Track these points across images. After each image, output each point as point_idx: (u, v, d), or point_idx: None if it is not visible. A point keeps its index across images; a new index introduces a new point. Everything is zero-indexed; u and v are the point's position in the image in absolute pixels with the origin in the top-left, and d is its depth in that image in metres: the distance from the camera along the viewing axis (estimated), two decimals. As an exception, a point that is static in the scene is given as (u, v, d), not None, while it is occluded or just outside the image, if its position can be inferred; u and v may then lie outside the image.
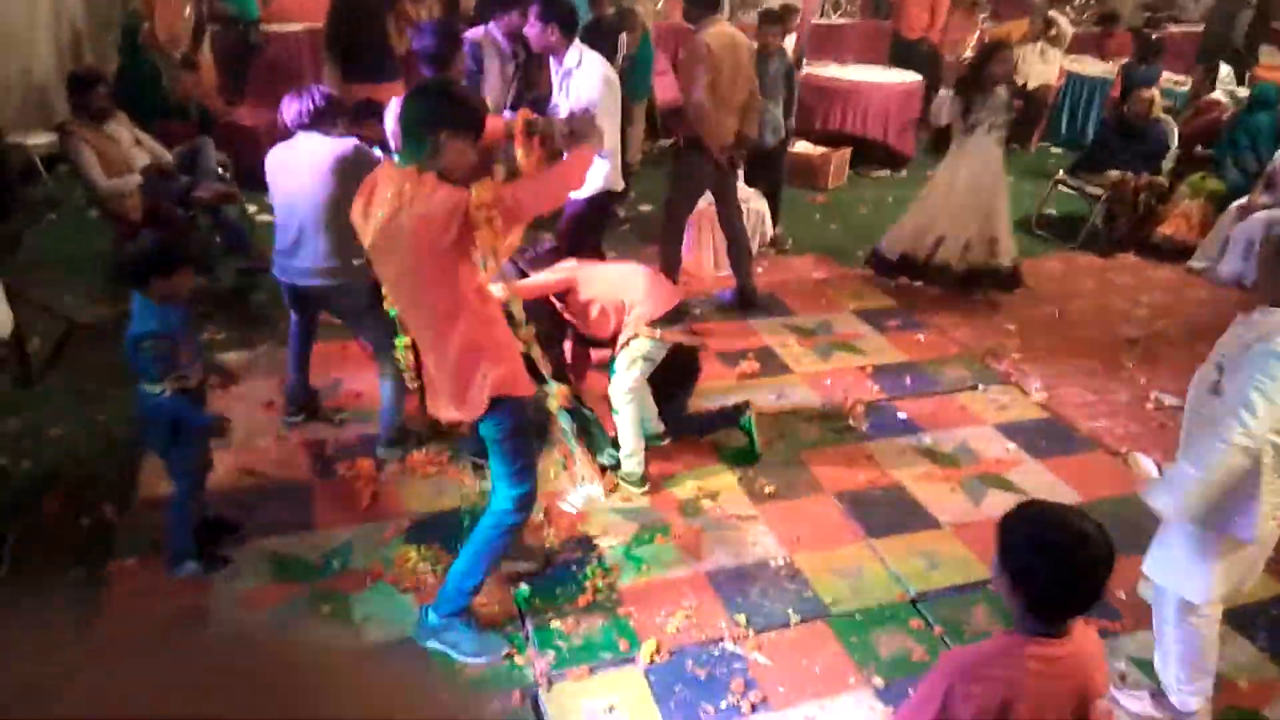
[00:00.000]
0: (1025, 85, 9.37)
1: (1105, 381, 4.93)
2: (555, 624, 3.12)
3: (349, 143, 3.67)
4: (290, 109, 3.67)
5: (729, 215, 5.47)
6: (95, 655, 0.43)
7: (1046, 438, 4.37)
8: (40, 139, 6.42)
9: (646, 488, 3.79)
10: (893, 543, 3.58)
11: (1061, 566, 1.72)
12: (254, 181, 6.63)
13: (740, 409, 4.08)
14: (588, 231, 4.62)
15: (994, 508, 3.79)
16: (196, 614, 3.10)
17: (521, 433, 2.85)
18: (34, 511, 3.55)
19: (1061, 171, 7.38)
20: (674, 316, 3.70)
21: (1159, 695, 2.86)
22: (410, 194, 2.49)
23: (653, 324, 3.63)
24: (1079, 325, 5.60)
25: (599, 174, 4.18)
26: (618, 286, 3.71)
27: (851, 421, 4.39)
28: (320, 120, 3.68)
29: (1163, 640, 2.82)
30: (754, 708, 2.84)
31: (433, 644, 2.98)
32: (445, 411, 2.85)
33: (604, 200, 4.53)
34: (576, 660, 2.98)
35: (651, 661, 2.99)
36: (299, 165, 3.68)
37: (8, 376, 4.34)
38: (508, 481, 2.89)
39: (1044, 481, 4.03)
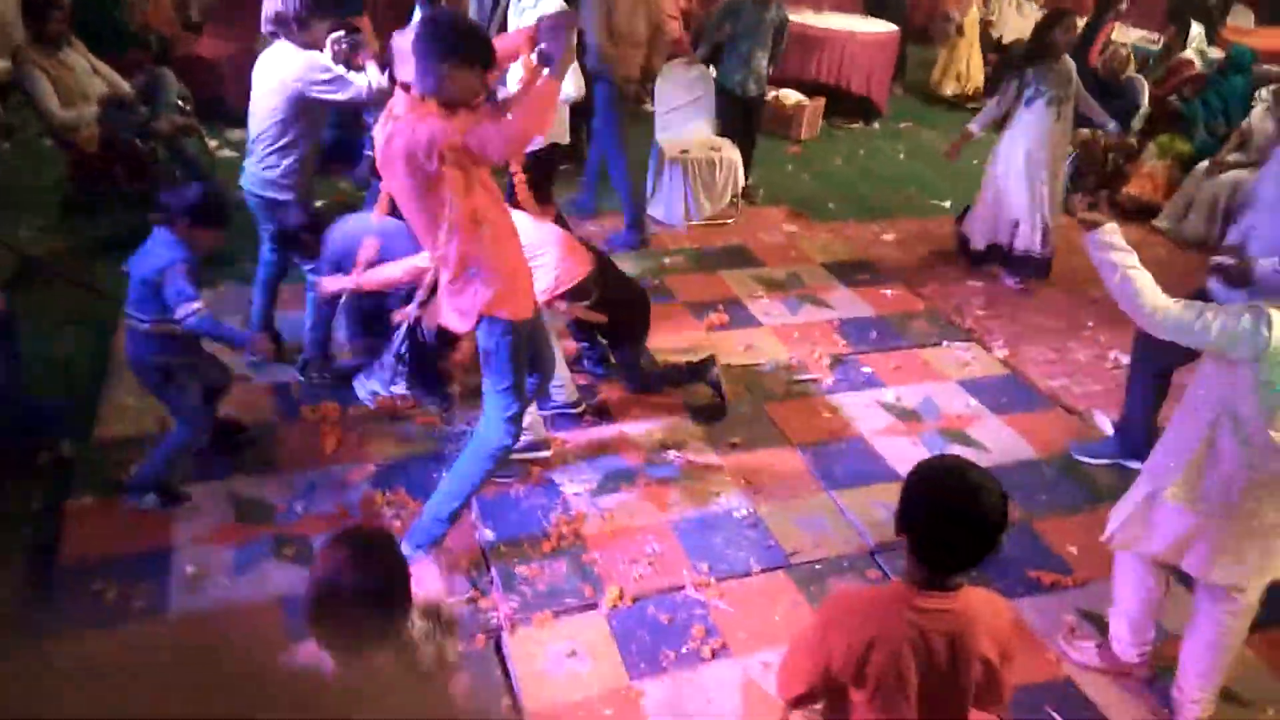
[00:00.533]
0: (1001, 39, 9.35)
1: (1066, 340, 5.00)
2: (520, 569, 3.14)
3: (301, 60, 3.67)
4: (265, 7, 3.74)
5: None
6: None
7: (1007, 394, 4.44)
8: (-5, 64, 6.19)
9: (547, 453, 3.68)
10: (854, 494, 3.64)
11: (951, 520, 1.73)
12: (214, 114, 6.49)
13: (707, 364, 4.10)
14: (536, 188, 4.60)
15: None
16: (158, 553, 3.09)
17: (514, 352, 2.90)
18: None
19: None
20: (578, 292, 3.56)
21: (1104, 646, 2.95)
22: (406, 120, 2.59)
23: (558, 298, 3.53)
24: (1043, 283, 5.66)
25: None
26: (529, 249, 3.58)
27: (816, 375, 4.43)
28: (283, 26, 3.70)
29: (1118, 596, 2.89)
30: (714, 653, 2.89)
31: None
32: (446, 319, 2.93)
33: (550, 155, 4.55)
34: (540, 605, 3.01)
35: (614, 607, 3.03)
36: (263, 72, 3.79)
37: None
38: (498, 400, 2.95)
39: (1003, 437, 4.10)
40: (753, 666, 2.86)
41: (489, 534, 3.29)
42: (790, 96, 7.87)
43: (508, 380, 2.94)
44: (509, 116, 2.67)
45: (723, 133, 6.20)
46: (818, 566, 3.29)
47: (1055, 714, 2.77)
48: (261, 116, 3.80)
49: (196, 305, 2.97)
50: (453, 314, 2.91)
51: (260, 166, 3.84)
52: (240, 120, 6.69)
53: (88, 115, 5.00)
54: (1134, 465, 3.70)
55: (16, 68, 4.91)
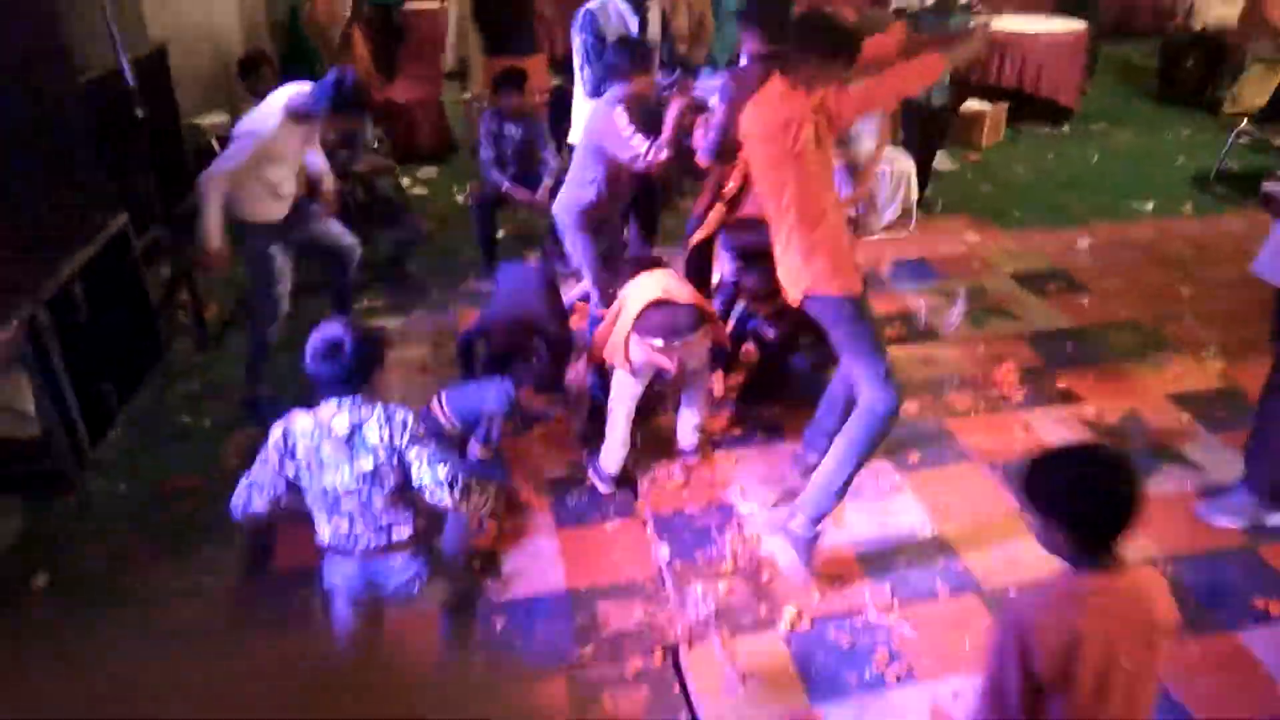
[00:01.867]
0: (1205, 28, 8.65)
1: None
2: (697, 585, 3.13)
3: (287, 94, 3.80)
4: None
5: None
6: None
7: (1224, 408, 4.05)
8: (215, 119, 6.84)
9: (610, 489, 3.64)
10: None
11: (1101, 494, 1.74)
12: (408, 156, 6.94)
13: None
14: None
15: (1163, 482, 3.56)
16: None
17: (856, 320, 3.06)
18: (217, 465, 3.82)
19: (1246, 121, 6.77)
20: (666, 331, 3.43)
21: None
22: (776, 98, 2.92)
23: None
24: (1261, 287, 5.13)
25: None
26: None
27: (1005, 390, 4.20)
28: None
29: None
30: (899, 679, 2.77)
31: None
32: (785, 285, 3.18)
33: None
34: (717, 624, 2.98)
35: (793, 629, 2.96)
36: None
37: (189, 341, 4.68)
38: (865, 364, 3.06)
39: (1221, 455, 3.74)
40: (941, 694, 2.72)
41: (665, 550, 3.30)
42: (971, 105, 7.57)
43: (867, 343, 3.07)
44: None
45: (905, 144, 6.03)
46: (1012, 592, 3.09)
47: (1293, 761, 2.48)
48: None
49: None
50: (790, 284, 3.11)
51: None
52: (430, 160, 7.17)
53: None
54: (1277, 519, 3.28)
55: (235, 120, 5.41)
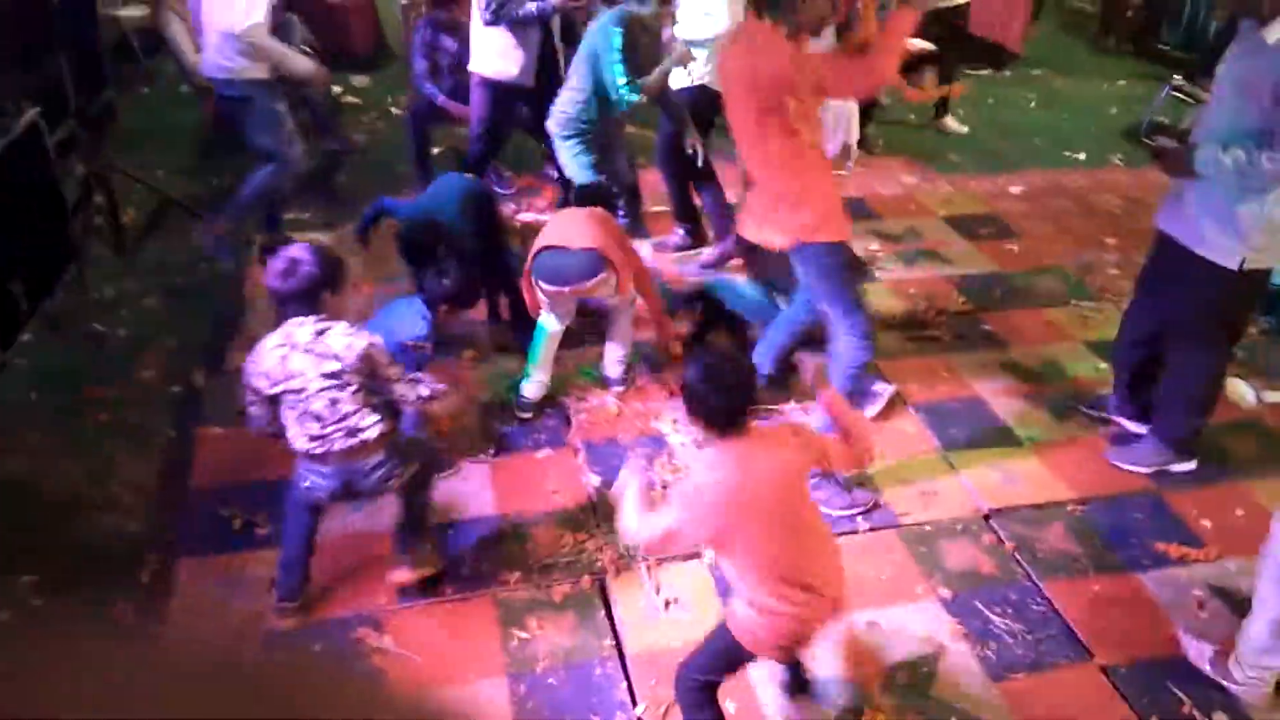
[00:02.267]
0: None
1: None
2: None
3: None
4: None
5: None
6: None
7: (1139, 358, 4.19)
8: (133, 11, 6.45)
9: (527, 415, 3.65)
10: (969, 456, 3.52)
11: (720, 384, 2.06)
12: (340, 62, 6.64)
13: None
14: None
15: (1078, 429, 3.69)
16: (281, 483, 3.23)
17: (836, 272, 3.10)
18: (129, 376, 3.69)
19: (1177, 76, 6.89)
20: None
21: (1221, 655, 2.65)
22: (759, 45, 2.81)
23: None
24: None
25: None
26: None
27: (934, 332, 4.28)
28: None
29: (1260, 600, 2.53)
30: (817, 609, 2.86)
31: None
32: (754, 233, 3.19)
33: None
34: (645, 551, 3.03)
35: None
36: None
37: (105, 246, 4.47)
38: (853, 319, 3.14)
39: (1134, 406, 3.88)
40: (857, 624, 2.81)
41: (595, 479, 3.32)
42: (913, 45, 7.53)
43: (846, 298, 3.12)
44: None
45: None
46: (928, 529, 3.20)
47: (1178, 690, 2.64)
48: None
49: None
50: (773, 230, 3.09)
51: None
52: (363, 68, 6.89)
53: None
54: (1184, 468, 3.45)
55: (155, 14, 5.11)
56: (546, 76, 4.69)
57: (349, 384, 2.50)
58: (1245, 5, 2.92)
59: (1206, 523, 3.24)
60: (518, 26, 4.45)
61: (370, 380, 2.53)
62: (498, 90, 4.64)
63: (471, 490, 3.27)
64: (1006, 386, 3.95)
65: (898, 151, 6.31)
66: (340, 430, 2.51)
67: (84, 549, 2.95)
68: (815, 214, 3.02)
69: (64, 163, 4.39)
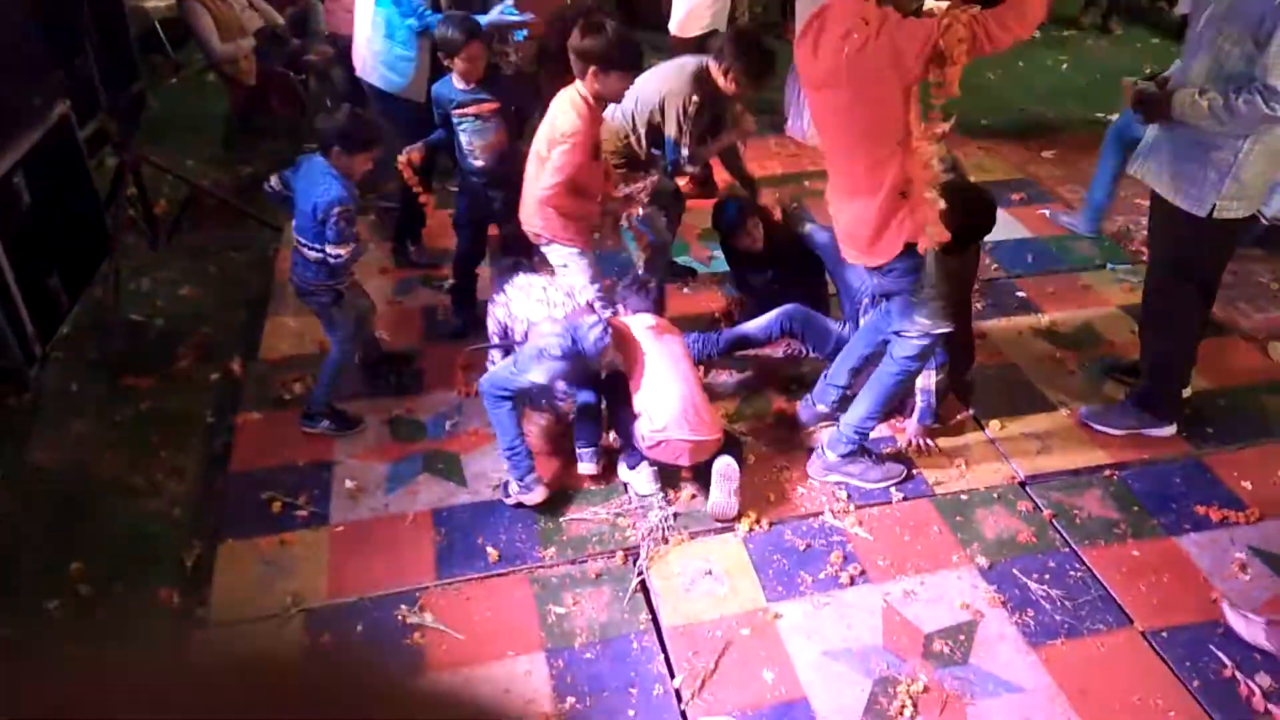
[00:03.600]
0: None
1: (1247, 264, 4.59)
2: (659, 489, 3.17)
3: None
4: None
5: None
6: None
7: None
8: (159, 1, 6.50)
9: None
10: (1005, 424, 3.49)
11: None
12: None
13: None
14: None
15: (1115, 392, 3.64)
16: (320, 467, 3.27)
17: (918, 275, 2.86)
18: (168, 364, 3.75)
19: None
20: None
21: (1274, 630, 2.63)
22: (875, 24, 2.52)
23: None
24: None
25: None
26: None
27: (966, 299, 4.22)
28: None
29: None
30: (853, 580, 2.86)
31: (833, 477, 3.20)
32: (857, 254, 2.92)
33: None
34: (678, 527, 3.04)
35: (751, 531, 3.02)
36: None
37: (138, 237, 4.54)
38: (912, 325, 2.93)
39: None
40: (893, 593, 2.81)
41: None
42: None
43: (926, 307, 2.88)
44: None
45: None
46: (964, 497, 3.18)
47: (1220, 654, 2.62)
48: None
49: (342, 250, 3.12)
50: (864, 248, 2.84)
51: None
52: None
53: (245, 48, 5.20)
54: (1161, 433, 3.38)
55: (181, 4, 5.15)
56: None
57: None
58: None
59: (1247, 484, 3.20)
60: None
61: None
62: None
63: (502, 467, 3.29)
64: (1041, 352, 3.90)
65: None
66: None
67: (129, 534, 3.02)
68: (924, 214, 2.73)
69: (96, 156, 4.45)
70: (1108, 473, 3.27)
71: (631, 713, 2.47)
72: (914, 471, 3.27)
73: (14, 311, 3.48)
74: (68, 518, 3.07)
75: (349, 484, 3.21)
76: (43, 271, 3.72)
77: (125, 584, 2.84)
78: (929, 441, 3.36)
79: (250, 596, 2.79)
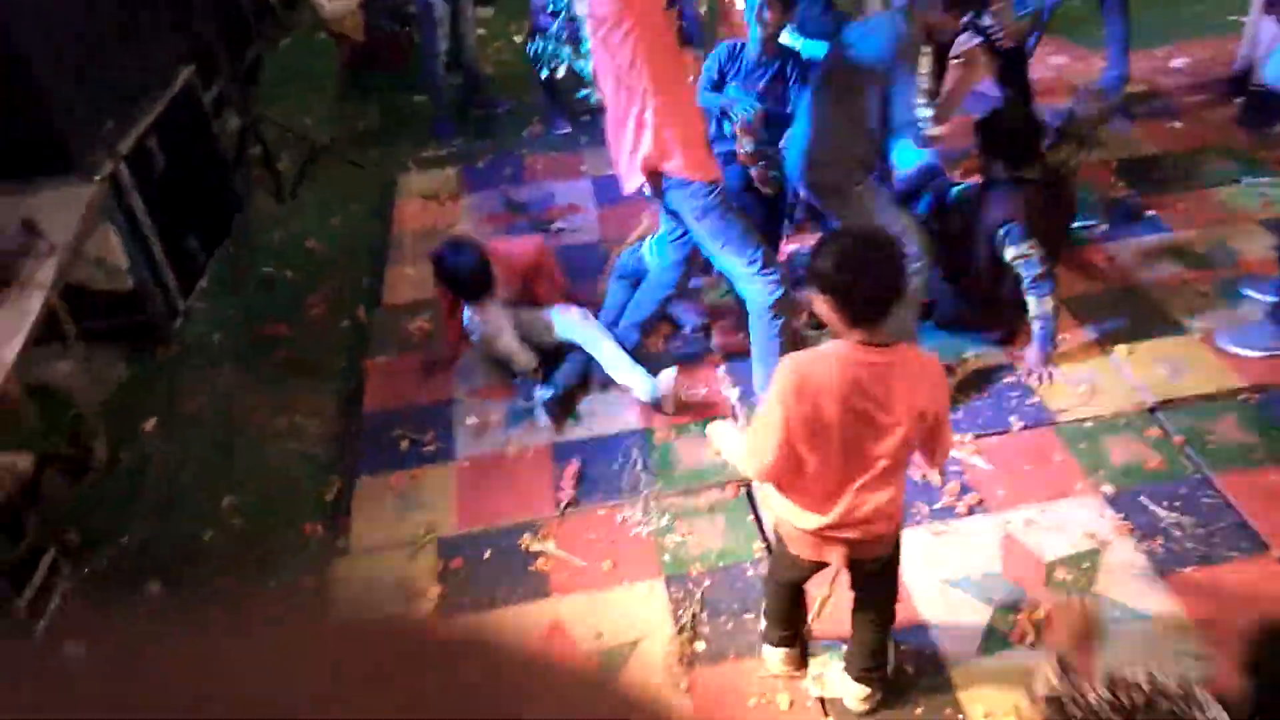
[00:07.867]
0: None
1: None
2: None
3: None
4: None
5: None
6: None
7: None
8: (268, -36, 6.68)
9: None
10: (1133, 349, 3.36)
11: (861, 272, 1.86)
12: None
13: None
14: None
15: (1254, 313, 3.46)
16: (444, 405, 3.42)
17: (715, 211, 2.89)
18: (301, 314, 3.96)
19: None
20: None
21: None
22: None
23: None
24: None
25: None
26: None
27: (1090, 220, 4.05)
28: None
29: None
30: (970, 510, 2.84)
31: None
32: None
33: None
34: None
35: (866, 461, 3.02)
36: None
37: (265, 194, 4.75)
38: (733, 262, 2.97)
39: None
40: (1013, 522, 2.78)
41: (736, 390, 3.35)
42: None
43: (727, 236, 2.94)
44: None
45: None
46: (1089, 424, 3.09)
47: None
48: None
49: None
50: (621, 173, 2.99)
51: None
52: (486, -2, 6.94)
53: (351, 4, 5.33)
54: None
55: (289, -35, 5.29)
56: None
57: None
58: None
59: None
60: None
61: None
62: None
63: (616, 405, 3.36)
64: (1171, 274, 3.73)
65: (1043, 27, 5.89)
66: None
67: (274, 473, 3.23)
68: (667, 147, 2.91)
69: (220, 119, 4.67)
70: (1244, 396, 3.13)
71: (750, 640, 2.53)
72: (1036, 398, 3.19)
73: (158, 270, 3.72)
74: (219, 458, 3.30)
75: (471, 420, 3.34)
76: (180, 231, 3.95)
77: (273, 518, 3.06)
78: (1051, 370, 3.27)
79: (386, 528, 2.96)
